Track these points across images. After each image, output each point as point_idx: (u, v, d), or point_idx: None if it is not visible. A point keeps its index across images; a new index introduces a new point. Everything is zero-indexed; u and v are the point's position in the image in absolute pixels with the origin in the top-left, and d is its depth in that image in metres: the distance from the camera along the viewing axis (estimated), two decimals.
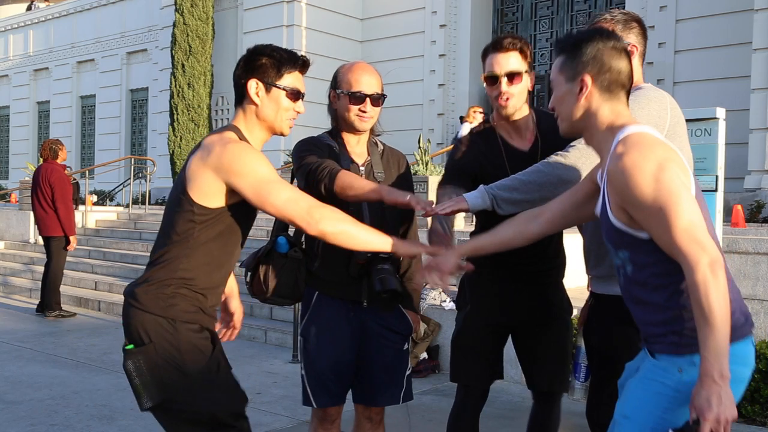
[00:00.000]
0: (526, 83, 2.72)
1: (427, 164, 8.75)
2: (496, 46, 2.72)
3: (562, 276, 2.95)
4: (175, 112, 16.20)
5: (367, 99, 2.72)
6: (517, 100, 2.70)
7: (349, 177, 2.55)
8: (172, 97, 16.26)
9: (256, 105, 2.31)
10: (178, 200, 2.25)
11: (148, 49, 21.02)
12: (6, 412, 4.59)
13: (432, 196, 7.82)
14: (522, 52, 2.71)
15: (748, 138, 10.43)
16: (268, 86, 2.30)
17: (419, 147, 9.02)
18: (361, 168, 2.78)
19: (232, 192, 2.20)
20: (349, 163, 2.75)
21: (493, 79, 2.71)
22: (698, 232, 1.76)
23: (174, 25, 16.31)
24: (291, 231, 2.68)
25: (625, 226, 1.90)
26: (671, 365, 1.87)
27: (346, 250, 2.67)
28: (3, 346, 6.58)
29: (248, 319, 7.48)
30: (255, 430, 2.46)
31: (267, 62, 2.30)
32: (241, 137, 2.29)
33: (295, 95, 2.33)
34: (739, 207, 8.27)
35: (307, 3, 15.92)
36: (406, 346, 2.86)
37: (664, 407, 1.87)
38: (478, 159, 2.78)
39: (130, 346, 2.21)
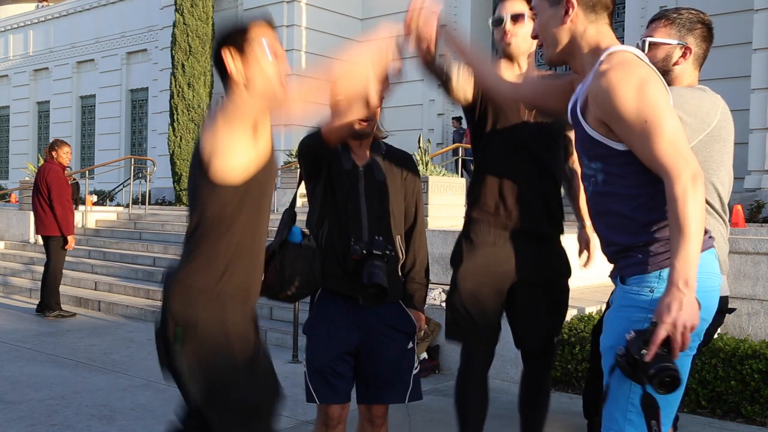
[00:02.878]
0: (529, 28, 2.78)
1: (427, 164, 8.75)
2: None
3: (561, 232, 3.00)
4: (175, 112, 16.22)
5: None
6: (520, 41, 2.86)
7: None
8: (172, 97, 16.27)
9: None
10: (201, 179, 2.14)
11: (148, 49, 21.04)
12: (6, 412, 4.59)
13: (431, 195, 7.85)
14: (528, 1, 2.78)
15: (748, 138, 10.43)
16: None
17: (419, 147, 9.02)
18: (361, 169, 2.79)
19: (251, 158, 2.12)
20: (351, 164, 2.77)
21: (499, 21, 2.90)
22: (682, 145, 1.79)
23: (174, 25, 16.32)
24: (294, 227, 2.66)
25: (601, 136, 1.92)
26: (642, 287, 1.89)
27: (344, 244, 2.69)
28: (3, 346, 6.57)
29: None
30: None
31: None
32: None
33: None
34: (739, 207, 8.27)
35: (307, 3, 15.93)
36: (410, 345, 2.84)
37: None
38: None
39: (179, 329, 2.10)
